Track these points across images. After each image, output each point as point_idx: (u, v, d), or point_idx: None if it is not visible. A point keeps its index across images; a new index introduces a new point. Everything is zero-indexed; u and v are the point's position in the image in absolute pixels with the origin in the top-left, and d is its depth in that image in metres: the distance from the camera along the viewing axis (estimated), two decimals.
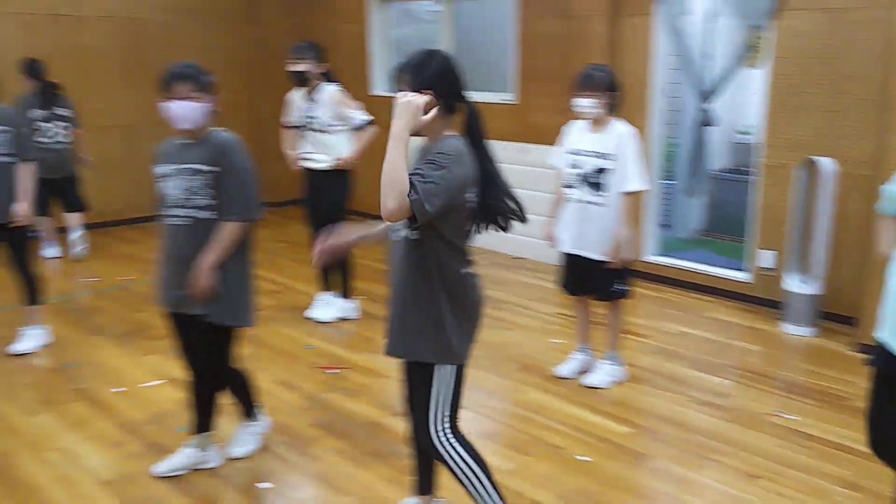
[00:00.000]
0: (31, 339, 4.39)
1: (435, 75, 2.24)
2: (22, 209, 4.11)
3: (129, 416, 3.63)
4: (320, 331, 4.79)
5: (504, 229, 2.42)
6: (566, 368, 4.13)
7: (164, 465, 3.14)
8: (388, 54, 7.72)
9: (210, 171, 2.82)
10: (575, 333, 4.30)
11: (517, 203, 2.39)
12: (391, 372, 4.16)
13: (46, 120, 5.96)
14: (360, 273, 5.18)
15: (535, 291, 5.60)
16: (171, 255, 2.93)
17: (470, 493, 2.45)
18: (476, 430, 3.54)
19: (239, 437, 3.34)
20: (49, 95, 5.97)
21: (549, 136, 6.12)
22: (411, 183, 2.05)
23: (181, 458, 3.15)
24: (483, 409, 3.77)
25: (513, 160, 6.45)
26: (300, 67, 4.60)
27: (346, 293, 5.01)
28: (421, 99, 2.15)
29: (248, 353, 4.30)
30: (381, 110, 7.46)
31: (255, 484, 3.10)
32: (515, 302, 5.36)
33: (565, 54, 6.02)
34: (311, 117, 4.72)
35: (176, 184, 2.87)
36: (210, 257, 2.82)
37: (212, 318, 2.89)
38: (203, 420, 3.13)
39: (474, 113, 2.32)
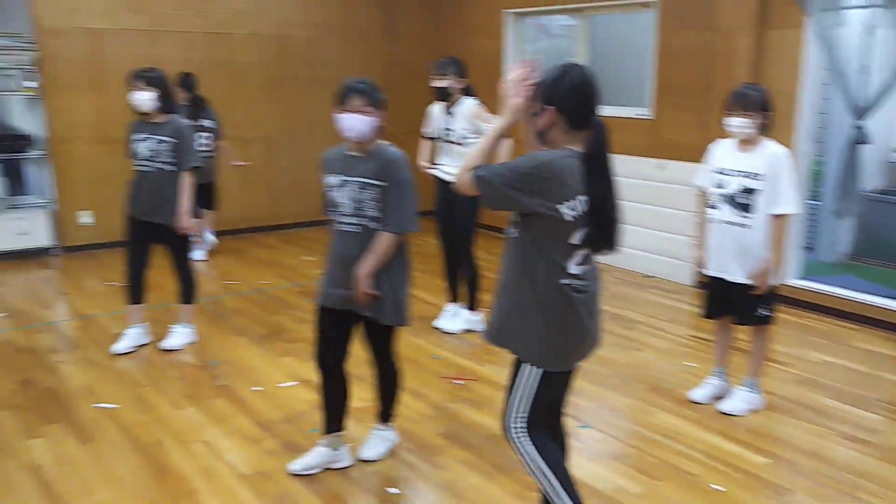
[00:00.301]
0: (179, 337, 4.67)
1: (561, 91, 2.27)
2: (185, 219, 4.40)
3: (266, 415, 3.79)
4: (447, 341, 4.84)
5: (596, 252, 2.41)
6: (700, 393, 3.98)
7: (299, 464, 3.25)
8: None
9: (379, 185, 2.99)
10: (712, 357, 4.14)
11: (616, 233, 2.38)
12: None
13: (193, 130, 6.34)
14: (486, 285, 5.20)
15: (668, 312, 5.44)
16: (338, 258, 3.10)
17: (541, 489, 2.51)
18: (603, 450, 3.48)
19: (371, 440, 3.42)
20: (197, 107, 6.35)
21: (684, 153, 5.97)
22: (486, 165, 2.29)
23: (314, 456, 3.26)
24: (611, 428, 3.69)
25: (647, 176, 6.32)
26: (443, 83, 4.71)
27: (472, 305, 5.04)
28: (519, 102, 2.28)
29: None
30: (515, 125, 7.52)
31: (384, 488, 3.15)
32: (647, 322, 5.22)
33: (706, 69, 5.84)
34: (449, 129, 4.82)
35: (346, 194, 3.03)
36: (368, 266, 2.99)
37: (374, 316, 3.07)
38: (333, 420, 3.25)
39: (600, 134, 2.32)
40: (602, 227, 2.33)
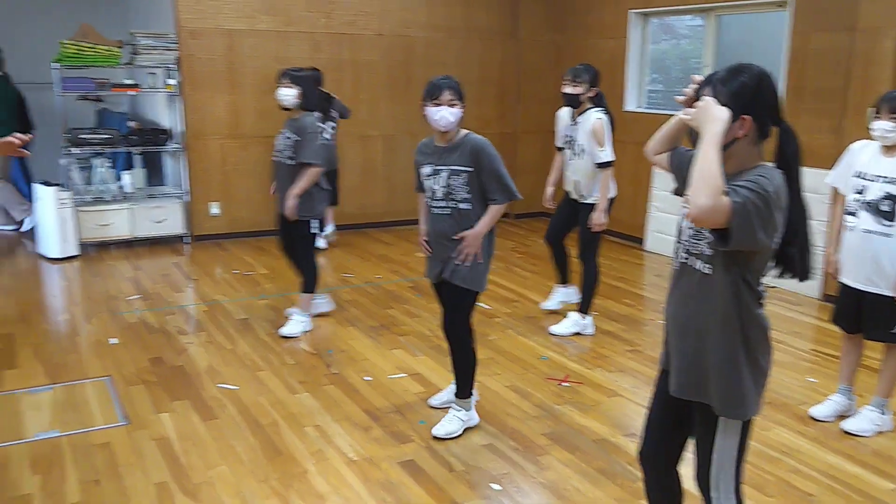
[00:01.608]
0: (297, 325, 4.86)
1: (753, 95, 1.98)
2: (291, 207, 4.60)
3: (375, 404, 3.89)
4: (555, 343, 4.81)
5: (793, 276, 2.14)
6: (822, 410, 3.78)
7: (441, 428, 3.55)
8: (642, 70, 7.59)
9: (468, 171, 3.36)
10: (837, 373, 3.93)
11: (811, 256, 2.11)
12: (625, 391, 4.09)
13: (322, 122, 6.58)
14: (603, 291, 5.15)
15: (789, 324, 5.20)
16: (434, 237, 3.50)
17: None
18: None
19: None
20: (325, 101, 6.57)
21: (816, 159, 5.67)
22: (732, 189, 1.86)
23: (455, 422, 3.57)
24: None
25: None
26: (575, 90, 4.71)
27: (584, 309, 4.99)
28: (723, 111, 1.93)
29: (484, 357, 4.44)
30: (632, 127, 7.41)
31: (488, 484, 3.18)
32: None
33: (843, 71, 5.54)
34: (571, 138, 4.86)
35: (438, 181, 3.41)
36: (479, 229, 3.40)
37: (459, 280, 3.42)
38: (462, 387, 3.58)
39: (791, 139, 2.02)
40: (803, 252, 2.08)
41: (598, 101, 4.81)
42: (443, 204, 3.42)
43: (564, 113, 4.96)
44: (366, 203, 7.90)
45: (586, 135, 4.73)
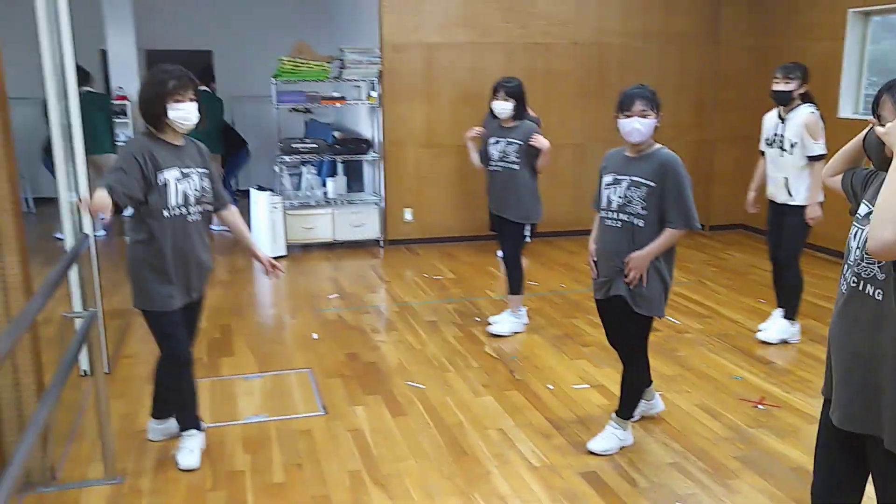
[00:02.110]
0: (507, 324, 5.04)
1: None
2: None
3: (558, 413, 3.90)
4: (750, 363, 4.57)
5: None
6: None
7: (597, 444, 3.51)
8: (859, 74, 7.02)
9: (650, 186, 3.22)
10: None
11: None
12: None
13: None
14: (803, 310, 4.86)
15: None
16: (601, 252, 3.41)
17: None
18: None
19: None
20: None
21: None
22: None
23: (612, 440, 3.51)
24: None
25: None
26: (787, 87, 4.64)
27: (791, 315, 4.88)
28: None
29: (671, 374, 4.32)
30: (847, 134, 6.86)
31: (673, 502, 3.09)
32: None
33: None
34: (779, 135, 4.75)
35: (617, 191, 3.31)
36: (646, 252, 3.23)
37: (631, 302, 3.30)
38: (625, 407, 3.52)
39: None
40: None
41: (807, 99, 4.73)
42: (618, 217, 3.30)
43: (771, 116, 4.87)
44: (553, 211, 7.86)
45: (797, 129, 4.63)
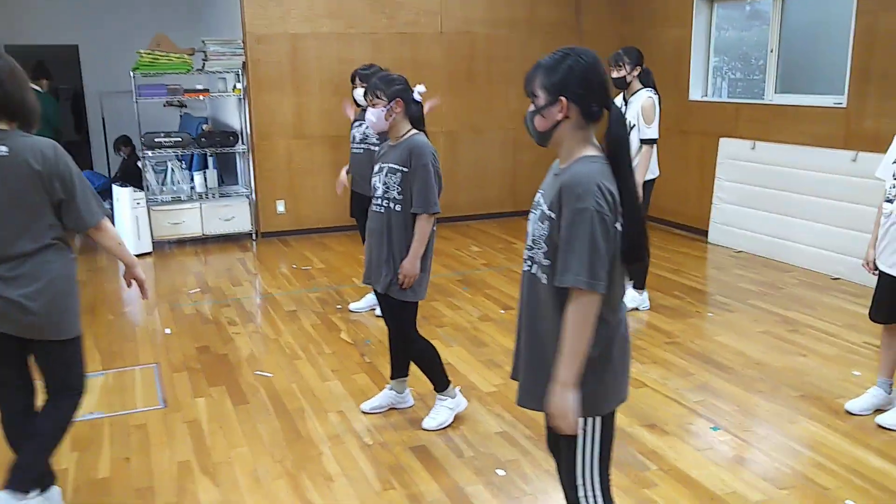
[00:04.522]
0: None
1: (568, 78, 2.00)
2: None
3: (416, 391, 3.95)
4: None
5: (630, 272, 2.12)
6: (858, 403, 3.62)
7: (368, 404, 3.74)
8: (707, 58, 7.37)
9: (403, 171, 3.35)
10: (878, 366, 3.74)
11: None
12: (652, 382, 4.03)
13: None
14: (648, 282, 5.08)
15: (846, 317, 4.96)
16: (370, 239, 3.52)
17: None
18: (730, 453, 3.29)
19: (433, 410, 3.62)
20: None
21: (882, 145, 5.40)
22: None
23: (382, 398, 3.74)
24: (745, 433, 3.46)
25: (837, 170, 5.80)
26: (618, 74, 4.90)
27: (639, 285, 5.19)
28: None
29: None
30: (699, 117, 7.22)
31: (494, 469, 3.20)
32: (818, 326, 4.80)
33: None
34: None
35: (380, 179, 3.43)
36: (414, 253, 3.39)
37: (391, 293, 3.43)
38: (398, 367, 3.71)
39: (619, 125, 2.03)
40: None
41: (646, 80, 4.95)
42: (378, 202, 3.43)
43: (617, 99, 5.06)
44: None
45: (635, 112, 4.86)
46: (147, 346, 4.71)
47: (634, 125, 4.89)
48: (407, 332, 3.57)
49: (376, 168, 3.47)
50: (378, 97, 3.36)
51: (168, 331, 4.96)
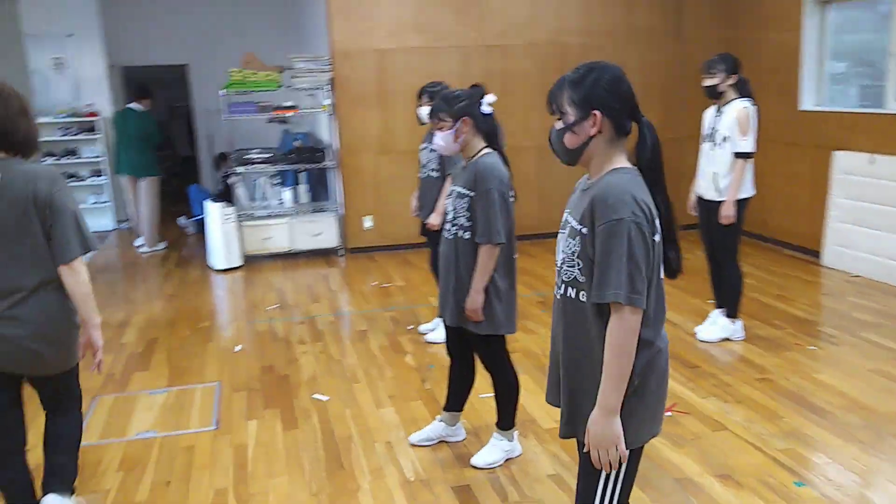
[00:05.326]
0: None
1: (598, 91, 1.94)
2: (435, 218, 4.58)
3: (471, 423, 3.73)
4: (673, 367, 4.37)
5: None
6: None
7: (417, 436, 3.55)
8: (820, 65, 6.77)
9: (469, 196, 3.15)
10: None
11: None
12: (734, 426, 3.62)
13: None
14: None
15: None
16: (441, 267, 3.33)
17: None
18: None
19: (486, 447, 3.37)
20: None
21: None
22: None
23: (431, 430, 3.54)
24: (836, 491, 3.02)
25: None
26: (711, 81, 4.56)
27: (732, 313, 4.79)
28: None
29: None
30: (811, 128, 6.64)
31: None
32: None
33: None
34: (714, 129, 4.64)
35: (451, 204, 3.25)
36: (476, 288, 3.15)
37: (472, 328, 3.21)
38: (454, 400, 3.51)
39: (652, 135, 1.97)
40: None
41: (742, 90, 4.59)
42: (447, 228, 3.25)
43: (711, 109, 4.77)
44: (516, 215, 7.73)
45: (730, 123, 4.52)
46: (215, 363, 4.71)
47: (727, 137, 4.51)
48: (492, 368, 3.36)
49: (448, 190, 3.30)
50: (442, 119, 3.18)
51: (238, 348, 4.95)
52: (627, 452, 1.92)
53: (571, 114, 1.97)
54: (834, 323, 5.05)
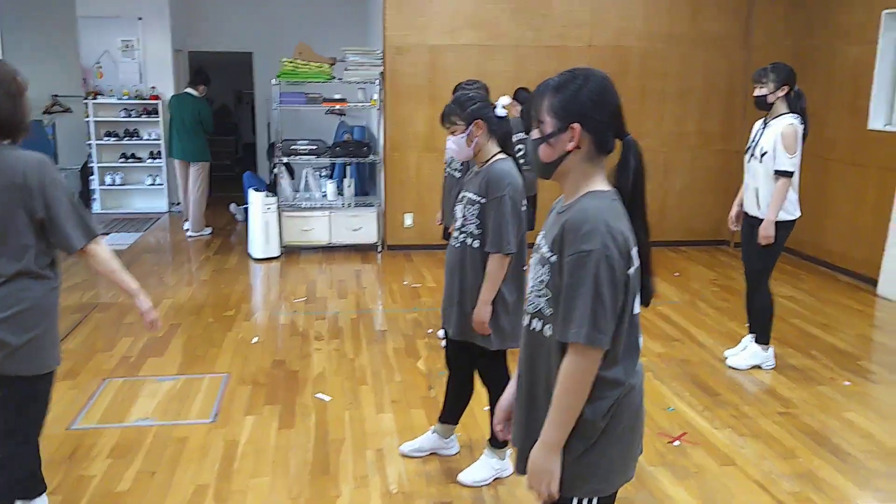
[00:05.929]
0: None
1: (579, 102, 1.77)
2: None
3: (468, 436, 3.63)
4: (693, 393, 4.16)
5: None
6: None
7: (408, 446, 3.45)
8: (894, 82, 6.35)
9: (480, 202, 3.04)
10: None
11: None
12: (744, 461, 3.40)
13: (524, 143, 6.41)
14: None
15: None
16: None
17: None
18: None
19: (476, 463, 3.26)
20: (530, 120, 6.38)
21: None
22: None
23: (424, 440, 3.44)
24: None
25: None
26: (759, 92, 4.34)
27: (763, 340, 4.52)
28: None
29: None
30: (879, 148, 6.23)
31: None
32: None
33: None
34: (755, 142, 4.41)
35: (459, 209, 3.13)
36: (483, 299, 3.03)
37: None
38: (450, 412, 3.41)
39: (636, 156, 1.81)
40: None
41: (793, 105, 4.31)
42: (455, 234, 3.13)
43: (759, 122, 4.51)
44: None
45: (773, 138, 4.26)
46: (229, 353, 4.72)
47: (767, 152, 4.27)
48: (490, 383, 3.24)
49: (459, 196, 3.17)
50: (454, 122, 3.06)
51: (255, 339, 4.95)
52: (558, 495, 1.78)
53: (549, 124, 1.81)
54: (877, 358, 4.73)
